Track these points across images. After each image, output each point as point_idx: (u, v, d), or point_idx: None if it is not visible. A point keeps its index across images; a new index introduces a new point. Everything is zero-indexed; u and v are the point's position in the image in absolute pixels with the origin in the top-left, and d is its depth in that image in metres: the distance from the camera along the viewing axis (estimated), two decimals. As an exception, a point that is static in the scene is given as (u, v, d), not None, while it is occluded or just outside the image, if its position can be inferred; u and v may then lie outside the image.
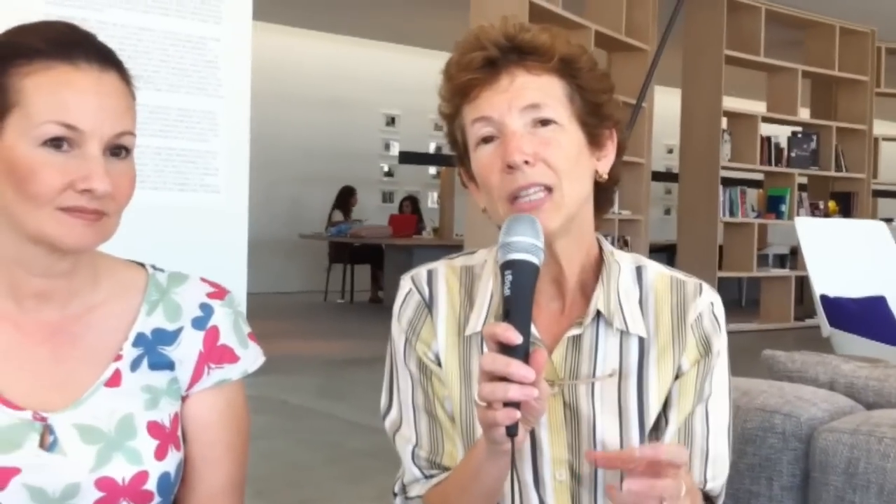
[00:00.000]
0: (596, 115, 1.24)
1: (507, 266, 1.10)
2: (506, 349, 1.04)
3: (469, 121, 1.22)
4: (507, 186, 1.18)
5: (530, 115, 1.19)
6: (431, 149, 13.33)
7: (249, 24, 6.31)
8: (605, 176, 1.27)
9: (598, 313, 1.24)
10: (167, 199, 5.95)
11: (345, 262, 11.40)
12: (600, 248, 1.29)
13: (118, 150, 1.11)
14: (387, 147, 13.28)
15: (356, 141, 12.78)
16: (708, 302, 1.27)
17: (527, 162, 1.17)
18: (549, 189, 1.18)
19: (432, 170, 13.55)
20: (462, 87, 1.21)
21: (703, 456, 1.25)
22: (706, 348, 1.26)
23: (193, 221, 6.02)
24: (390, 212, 12.36)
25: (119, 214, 1.12)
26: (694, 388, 1.25)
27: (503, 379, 1.03)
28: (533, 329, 1.16)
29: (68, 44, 1.10)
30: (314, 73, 12.29)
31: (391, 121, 13.27)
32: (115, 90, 1.11)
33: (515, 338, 1.04)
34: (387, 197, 13.32)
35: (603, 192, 1.28)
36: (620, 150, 1.29)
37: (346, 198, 11.73)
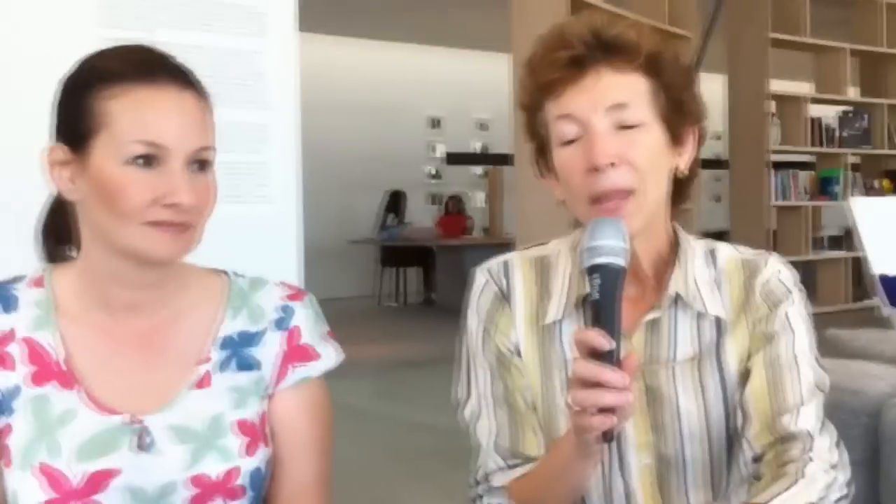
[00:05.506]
0: (678, 112, 1.23)
1: (593, 270, 1.08)
2: (596, 354, 1.04)
3: (553, 117, 1.22)
4: (589, 189, 1.19)
5: (615, 115, 1.19)
6: (476, 148, 13.36)
7: (295, 35, 6.39)
8: (686, 172, 1.26)
9: (675, 296, 1.25)
10: (223, 212, 6.00)
11: (395, 265, 11.47)
12: (675, 234, 1.30)
13: (200, 164, 1.17)
14: (432, 149, 13.34)
15: (401, 145, 12.84)
16: (774, 270, 1.28)
17: (612, 164, 1.17)
18: (630, 192, 1.18)
19: (478, 170, 13.58)
20: (546, 84, 1.21)
21: (795, 377, 1.22)
22: (774, 304, 1.25)
23: (249, 232, 6.09)
24: (437, 214, 12.41)
25: (202, 225, 1.18)
26: (765, 336, 1.24)
27: (596, 384, 1.03)
28: None
29: (148, 66, 1.16)
30: (357, 80, 12.37)
31: (435, 123, 13.33)
32: (193, 107, 1.17)
33: (607, 343, 1.04)
34: (434, 199, 13.38)
35: (681, 186, 1.28)
36: (699, 144, 1.28)
37: (397, 202, 11.80)
